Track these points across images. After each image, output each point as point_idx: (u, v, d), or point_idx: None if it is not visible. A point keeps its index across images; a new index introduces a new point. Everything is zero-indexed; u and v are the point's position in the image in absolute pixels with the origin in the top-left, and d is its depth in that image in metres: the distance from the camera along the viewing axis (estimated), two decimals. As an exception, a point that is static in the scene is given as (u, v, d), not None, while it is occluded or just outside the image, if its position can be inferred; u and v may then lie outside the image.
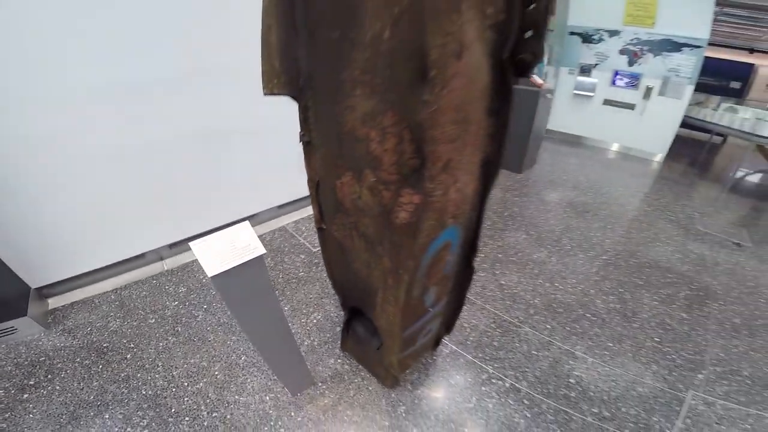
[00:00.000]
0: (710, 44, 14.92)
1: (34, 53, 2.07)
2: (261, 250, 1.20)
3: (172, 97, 2.66)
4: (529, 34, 1.01)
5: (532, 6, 0.97)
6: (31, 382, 2.07)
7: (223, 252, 1.15)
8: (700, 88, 17.69)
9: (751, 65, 16.79)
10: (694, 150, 9.11)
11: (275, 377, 2.04)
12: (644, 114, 7.94)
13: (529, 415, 1.90)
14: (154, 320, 2.51)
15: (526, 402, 1.96)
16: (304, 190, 2.15)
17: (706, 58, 10.60)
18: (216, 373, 2.08)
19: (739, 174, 7.38)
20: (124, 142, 2.57)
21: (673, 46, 7.92)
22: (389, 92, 0.94)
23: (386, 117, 0.97)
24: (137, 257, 3.00)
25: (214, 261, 1.12)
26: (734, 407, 2.04)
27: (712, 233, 4.26)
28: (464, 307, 1.99)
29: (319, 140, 1.27)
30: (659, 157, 7.84)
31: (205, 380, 2.04)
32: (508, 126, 1.17)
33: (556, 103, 8.87)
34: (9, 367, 2.18)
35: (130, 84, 2.45)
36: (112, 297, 2.75)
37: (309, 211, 3.78)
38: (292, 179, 3.36)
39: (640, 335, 2.50)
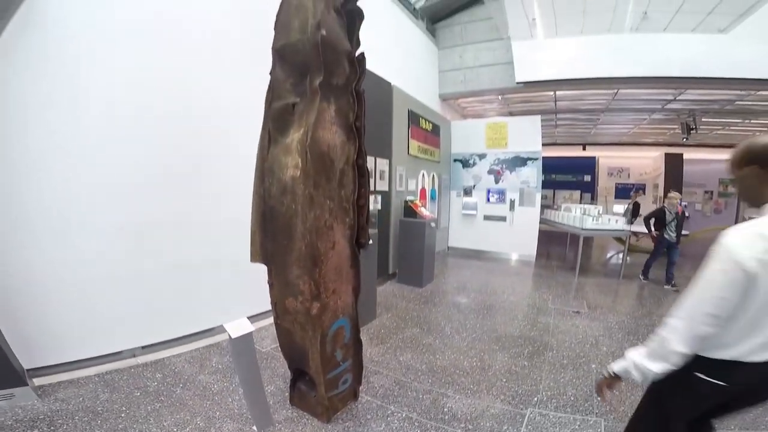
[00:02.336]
0: (557, 144, 18.64)
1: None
2: (252, 328, 2.40)
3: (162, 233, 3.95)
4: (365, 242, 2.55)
5: (364, 208, 2.46)
6: (35, 432, 2.71)
7: (233, 328, 2.35)
8: (563, 186, 21.10)
9: (594, 158, 20.35)
10: (560, 242, 11.12)
11: (244, 422, 2.90)
12: (513, 223, 9.70)
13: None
14: (139, 393, 3.28)
15: (417, 424, 3.05)
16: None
17: (562, 158, 13.22)
18: (198, 422, 2.91)
19: (597, 258, 9.41)
20: (116, 268, 3.71)
21: (521, 161, 9.89)
22: (305, 267, 2.31)
23: (303, 277, 2.34)
24: (115, 353, 3.80)
25: (232, 331, 2.31)
26: (563, 415, 3.18)
27: (559, 308, 5.86)
28: (373, 374, 3.16)
29: (276, 284, 2.58)
30: (530, 257, 9.56)
31: (190, 426, 2.86)
32: (360, 272, 2.61)
33: (452, 223, 10.64)
34: (9, 422, 2.73)
35: (128, 222, 3.72)
36: (96, 379, 3.47)
37: (260, 324, 4.82)
38: (251, 303, 4.58)
39: (493, 379, 3.74)
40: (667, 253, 7.59)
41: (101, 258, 3.63)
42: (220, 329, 4.39)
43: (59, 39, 3.27)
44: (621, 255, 9.72)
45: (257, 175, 2.58)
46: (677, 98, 11.43)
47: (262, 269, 2.77)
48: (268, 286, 2.65)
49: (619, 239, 10.67)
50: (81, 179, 3.48)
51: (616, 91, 11.05)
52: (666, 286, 7.40)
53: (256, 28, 3.49)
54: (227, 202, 4.34)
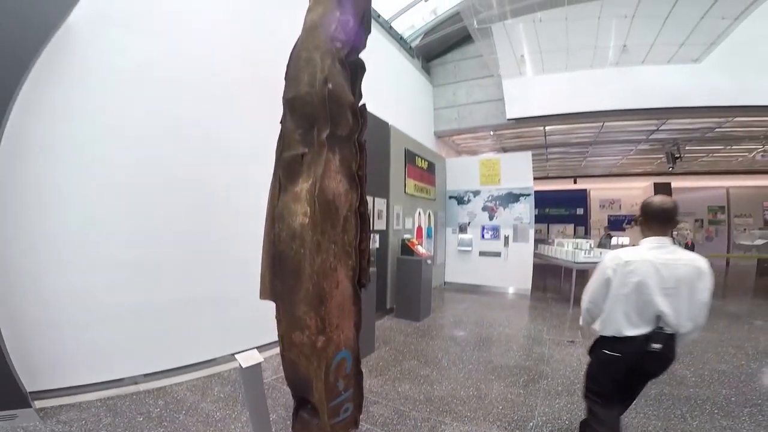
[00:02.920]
0: (549, 177, 18.87)
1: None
2: (261, 359, 2.60)
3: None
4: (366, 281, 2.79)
5: (365, 252, 2.70)
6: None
7: (244, 359, 2.55)
8: (556, 220, 21.41)
9: (585, 190, 20.81)
10: (555, 275, 11.32)
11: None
12: (507, 259, 9.91)
13: (413, 458, 3.18)
14: (142, 418, 3.41)
15: (415, 452, 3.23)
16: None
17: (554, 192, 13.41)
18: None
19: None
20: (123, 298, 3.96)
21: (514, 198, 10.18)
22: (312, 305, 2.54)
23: (310, 313, 2.57)
24: (117, 380, 3.95)
25: (243, 362, 2.52)
26: (556, 438, 3.40)
27: (554, 338, 6.03)
28: (373, 404, 3.40)
29: (283, 319, 2.80)
30: (525, 290, 9.73)
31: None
32: (361, 309, 2.85)
33: (448, 259, 10.84)
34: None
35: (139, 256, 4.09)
36: (98, 403, 3.61)
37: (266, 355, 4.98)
38: (251, 336, 4.76)
39: (489, 406, 3.89)
40: None
41: (108, 288, 3.88)
42: (221, 359, 4.62)
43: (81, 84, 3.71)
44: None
45: (268, 220, 2.82)
46: (660, 128, 11.93)
47: (262, 306, 2.98)
48: (275, 321, 2.87)
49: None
50: (94, 214, 3.80)
51: (602, 124, 11.52)
52: None
53: (268, 76, 3.83)
54: (236, 243, 4.66)
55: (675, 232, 7.51)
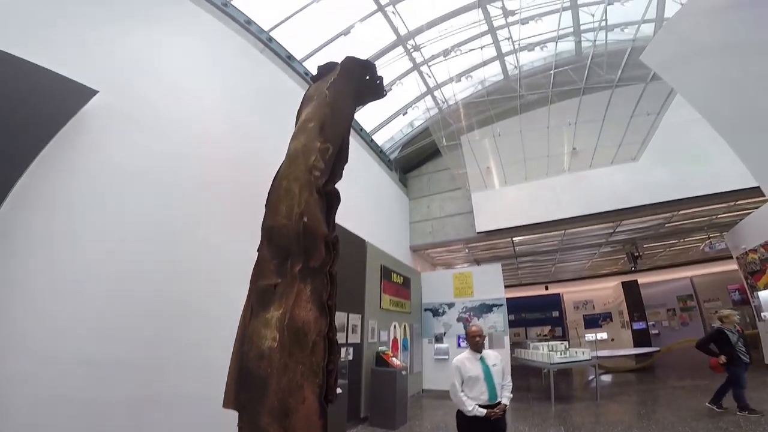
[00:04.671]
0: (522, 285, 19.29)
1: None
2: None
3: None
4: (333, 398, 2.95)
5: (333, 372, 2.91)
6: None
7: None
8: (533, 323, 21.61)
9: (558, 294, 21.43)
10: (536, 374, 11.33)
11: None
12: None
13: None
14: None
15: None
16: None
17: (529, 297, 13.60)
18: None
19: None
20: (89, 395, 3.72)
21: (487, 308, 10.39)
22: (276, 417, 2.57)
23: (273, 424, 2.53)
24: None
25: None
26: None
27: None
28: None
29: (246, 428, 2.83)
30: None
31: None
32: (327, 423, 2.81)
33: (425, 368, 10.74)
34: None
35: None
36: None
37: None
38: None
39: None
40: (732, 376, 6.71)
41: (69, 385, 3.66)
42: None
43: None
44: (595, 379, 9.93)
45: (238, 338, 2.89)
46: (616, 231, 12.70)
47: (225, 413, 2.85)
48: (238, 428, 2.86)
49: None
50: (64, 314, 3.70)
51: (563, 231, 12.20)
52: (741, 413, 6.52)
53: (255, 192, 3.93)
54: (207, 348, 4.59)
55: (721, 322, 7.04)
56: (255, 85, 7.10)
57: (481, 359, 4.01)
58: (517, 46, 10.29)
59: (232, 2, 7.19)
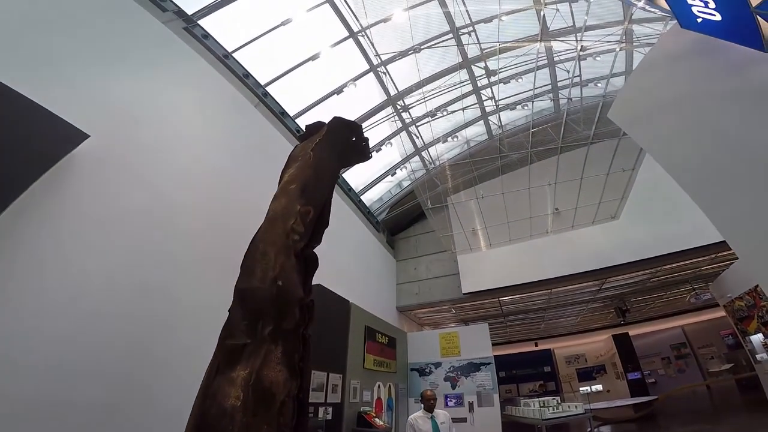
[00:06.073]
0: (511, 342, 19.02)
1: None
2: None
3: None
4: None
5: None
6: None
7: None
8: (526, 378, 21.34)
9: (549, 350, 21.28)
10: (529, 429, 11.07)
11: None
12: (474, 423, 9.69)
13: None
14: None
15: None
16: None
17: (519, 354, 13.24)
18: None
19: None
20: None
21: (475, 367, 10.16)
22: None
23: None
24: None
25: None
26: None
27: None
28: None
29: None
30: None
31: None
32: None
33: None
34: None
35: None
36: None
37: None
38: None
39: None
40: None
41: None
42: None
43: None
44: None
45: (200, 395, 2.76)
46: (602, 288, 12.71)
47: None
48: None
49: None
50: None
51: (549, 290, 12.23)
52: None
53: (227, 252, 4.09)
54: (167, 394, 4.41)
55: None
56: (247, 141, 7.25)
57: (432, 418, 5.16)
58: (499, 105, 10.65)
59: (233, 54, 7.44)
